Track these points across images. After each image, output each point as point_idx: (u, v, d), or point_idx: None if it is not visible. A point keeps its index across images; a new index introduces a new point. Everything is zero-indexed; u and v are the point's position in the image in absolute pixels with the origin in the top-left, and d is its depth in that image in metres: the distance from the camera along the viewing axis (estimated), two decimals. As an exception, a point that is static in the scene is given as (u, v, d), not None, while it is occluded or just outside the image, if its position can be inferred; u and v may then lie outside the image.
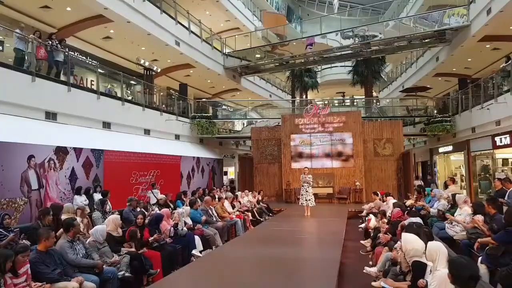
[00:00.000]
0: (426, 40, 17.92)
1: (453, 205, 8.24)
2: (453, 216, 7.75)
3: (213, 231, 9.02)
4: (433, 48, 18.91)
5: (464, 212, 7.40)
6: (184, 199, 11.30)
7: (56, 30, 14.21)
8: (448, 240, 6.95)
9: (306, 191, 11.99)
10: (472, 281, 3.00)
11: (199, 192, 13.16)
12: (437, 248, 3.83)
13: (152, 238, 6.93)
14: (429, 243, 3.97)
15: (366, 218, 10.39)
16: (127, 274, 5.56)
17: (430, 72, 20.31)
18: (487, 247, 5.55)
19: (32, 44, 10.22)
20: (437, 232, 7.54)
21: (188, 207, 9.35)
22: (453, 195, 8.46)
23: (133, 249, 6.18)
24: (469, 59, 18.05)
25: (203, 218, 9.25)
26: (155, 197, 11.65)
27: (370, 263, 7.23)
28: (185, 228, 8.20)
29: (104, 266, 5.33)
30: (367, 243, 8.65)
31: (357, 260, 7.70)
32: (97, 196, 10.03)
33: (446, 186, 11.65)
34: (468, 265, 3.10)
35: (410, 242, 4.29)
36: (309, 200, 11.95)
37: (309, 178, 12.07)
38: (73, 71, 12.10)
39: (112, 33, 15.49)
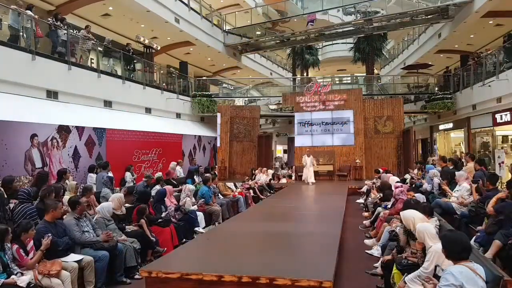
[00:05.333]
0: (429, 16, 17.68)
1: (451, 182, 8.31)
2: (451, 191, 7.87)
3: (221, 202, 9.33)
4: (435, 24, 18.68)
5: (462, 189, 7.50)
6: (195, 177, 11.40)
7: (55, 8, 14.05)
8: (447, 215, 7.07)
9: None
10: (464, 253, 3.11)
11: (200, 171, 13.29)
12: (424, 228, 3.97)
13: (163, 215, 7.13)
14: (417, 225, 4.10)
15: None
16: (135, 245, 5.74)
17: (432, 48, 20.12)
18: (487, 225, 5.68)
19: (31, 22, 10.13)
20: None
21: (192, 186, 9.49)
22: (452, 173, 8.52)
23: (136, 228, 6.34)
24: (472, 36, 17.88)
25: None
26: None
27: (367, 235, 7.46)
28: (189, 206, 8.33)
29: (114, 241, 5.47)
30: (367, 215, 8.99)
31: (357, 234, 7.89)
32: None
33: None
34: (459, 238, 3.20)
35: (408, 216, 4.40)
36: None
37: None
38: (74, 50, 12.01)
39: (111, 10, 15.30)
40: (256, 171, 14.72)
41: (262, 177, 13.95)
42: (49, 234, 4.75)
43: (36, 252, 4.59)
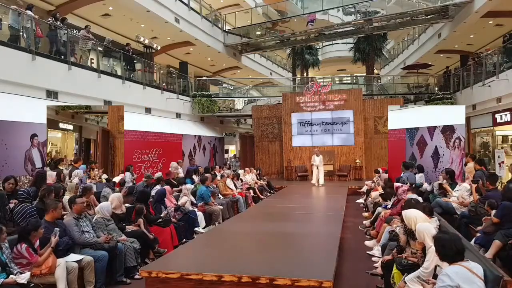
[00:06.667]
0: (429, 16, 17.70)
1: (452, 183, 8.33)
2: (452, 190, 7.88)
3: (222, 203, 9.38)
4: (435, 24, 18.70)
5: (462, 188, 7.51)
6: (195, 177, 11.32)
7: (55, 8, 14.06)
8: (447, 215, 7.08)
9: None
10: (458, 256, 3.09)
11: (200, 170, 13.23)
12: (423, 228, 3.97)
13: (162, 214, 7.16)
14: (417, 225, 4.10)
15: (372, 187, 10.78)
16: (134, 245, 5.74)
17: (432, 48, 20.15)
18: (485, 225, 5.66)
19: (31, 22, 10.13)
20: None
21: (191, 186, 9.48)
22: (452, 172, 8.55)
23: (136, 228, 6.33)
24: (472, 36, 17.90)
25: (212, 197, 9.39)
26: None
27: (367, 236, 7.46)
28: (189, 207, 8.32)
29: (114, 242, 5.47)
30: (368, 214, 8.97)
31: (357, 234, 7.89)
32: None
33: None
34: (451, 240, 3.16)
35: (410, 215, 4.38)
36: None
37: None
38: (74, 50, 12.02)
39: (111, 10, 15.30)
40: (241, 171, 13.83)
41: (249, 177, 13.43)
42: (57, 229, 4.79)
43: (41, 251, 4.62)
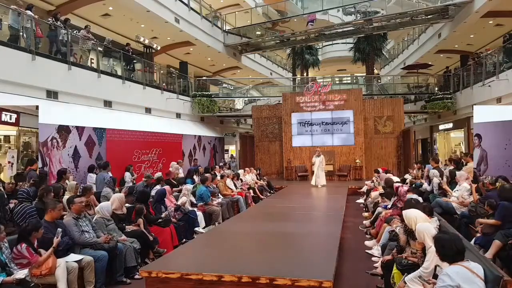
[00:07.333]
0: (429, 16, 17.71)
1: (451, 182, 8.34)
2: (452, 190, 7.89)
3: (222, 203, 9.37)
4: (435, 24, 18.70)
5: (462, 188, 7.51)
6: (195, 177, 11.30)
7: (55, 8, 14.05)
8: (447, 214, 7.08)
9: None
10: (458, 256, 3.09)
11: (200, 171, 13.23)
12: (423, 228, 3.96)
13: (163, 215, 7.19)
14: (417, 225, 4.09)
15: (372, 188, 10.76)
16: (135, 245, 5.74)
17: (432, 48, 20.15)
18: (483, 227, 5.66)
19: (31, 22, 10.13)
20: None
21: (190, 186, 9.48)
22: (453, 172, 8.56)
23: (136, 228, 6.33)
24: (472, 36, 17.90)
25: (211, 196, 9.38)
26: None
27: (368, 236, 7.45)
28: (189, 207, 8.32)
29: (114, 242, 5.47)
30: (368, 214, 8.96)
31: (357, 234, 7.90)
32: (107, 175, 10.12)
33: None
34: (451, 240, 3.16)
35: (411, 215, 4.37)
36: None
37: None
38: (73, 50, 12.02)
39: (111, 10, 15.30)
40: (241, 171, 13.82)
41: (249, 177, 13.40)
42: (60, 229, 4.80)
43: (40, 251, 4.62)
